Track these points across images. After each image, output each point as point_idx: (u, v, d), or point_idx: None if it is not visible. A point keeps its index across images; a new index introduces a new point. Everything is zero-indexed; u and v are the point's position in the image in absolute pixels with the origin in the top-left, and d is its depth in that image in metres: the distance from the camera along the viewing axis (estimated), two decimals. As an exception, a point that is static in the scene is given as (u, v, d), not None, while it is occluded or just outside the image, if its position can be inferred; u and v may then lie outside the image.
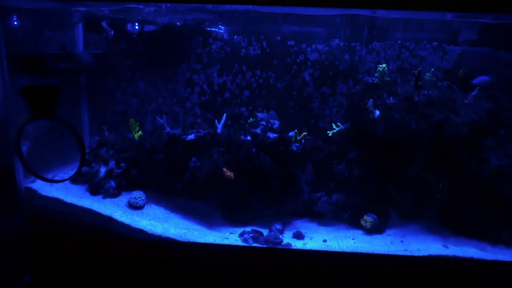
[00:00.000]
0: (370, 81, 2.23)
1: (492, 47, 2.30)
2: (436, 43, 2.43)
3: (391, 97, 2.08)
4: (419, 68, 2.09)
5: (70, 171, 2.33)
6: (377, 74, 2.20)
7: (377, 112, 2.08)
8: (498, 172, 2.03)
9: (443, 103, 2.03)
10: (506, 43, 2.28)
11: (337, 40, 2.50)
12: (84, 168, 2.32)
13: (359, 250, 2.06)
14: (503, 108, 2.10)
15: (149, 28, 2.59)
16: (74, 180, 2.36)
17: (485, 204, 2.14)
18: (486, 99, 2.11)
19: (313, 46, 2.52)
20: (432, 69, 2.20)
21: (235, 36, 2.52)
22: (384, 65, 2.17)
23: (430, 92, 2.05)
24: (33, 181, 2.24)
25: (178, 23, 2.52)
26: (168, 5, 2.07)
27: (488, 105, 2.08)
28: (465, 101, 2.04)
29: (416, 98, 2.05)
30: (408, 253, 2.05)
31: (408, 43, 2.47)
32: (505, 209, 2.12)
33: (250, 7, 2.05)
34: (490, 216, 2.14)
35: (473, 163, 2.09)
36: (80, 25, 2.45)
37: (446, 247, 2.10)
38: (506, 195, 2.08)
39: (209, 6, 2.27)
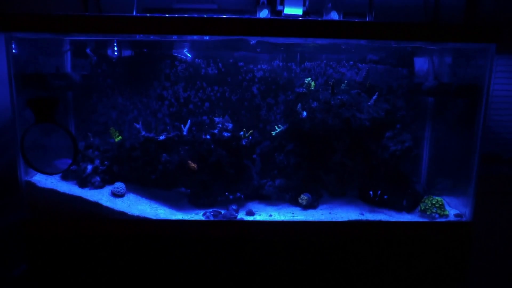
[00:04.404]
0: (300, 91, 2.91)
1: (390, 65, 3.08)
2: (352, 62, 3.17)
3: (314, 102, 2.77)
4: (333, 80, 2.81)
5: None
6: (304, 86, 2.89)
7: (304, 113, 2.75)
8: (394, 155, 2.73)
9: (352, 105, 2.72)
10: (400, 61, 3.07)
11: (277, 61, 3.19)
12: (73, 167, 2.81)
13: (296, 219, 2.67)
14: (396, 108, 2.83)
15: (126, 53, 3.19)
16: (65, 177, 2.84)
17: (389, 180, 2.82)
18: (383, 102, 2.83)
19: (259, 66, 3.19)
20: (346, 81, 2.93)
21: (196, 59, 3.16)
22: (309, 79, 2.87)
23: (342, 97, 2.75)
24: (31, 176, 2.71)
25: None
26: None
27: (385, 106, 2.80)
28: (368, 103, 2.76)
29: (332, 102, 2.74)
30: (334, 219, 2.67)
31: (331, 63, 3.19)
32: (403, 183, 2.82)
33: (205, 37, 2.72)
34: (394, 190, 2.82)
35: (378, 150, 2.78)
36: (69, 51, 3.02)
37: (362, 214, 2.74)
38: (401, 172, 2.79)
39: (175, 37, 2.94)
